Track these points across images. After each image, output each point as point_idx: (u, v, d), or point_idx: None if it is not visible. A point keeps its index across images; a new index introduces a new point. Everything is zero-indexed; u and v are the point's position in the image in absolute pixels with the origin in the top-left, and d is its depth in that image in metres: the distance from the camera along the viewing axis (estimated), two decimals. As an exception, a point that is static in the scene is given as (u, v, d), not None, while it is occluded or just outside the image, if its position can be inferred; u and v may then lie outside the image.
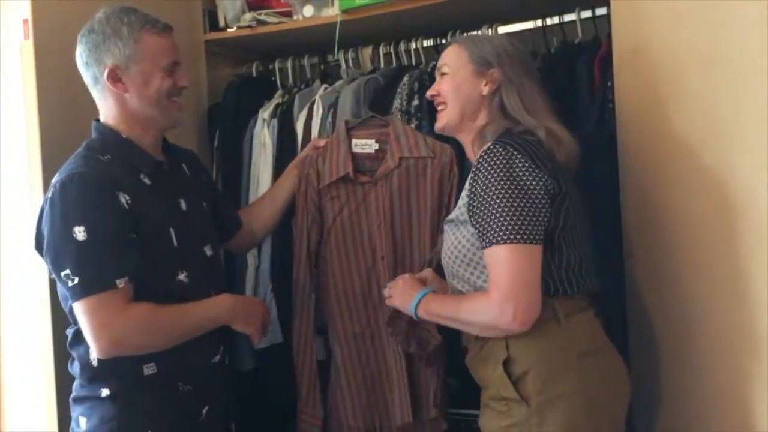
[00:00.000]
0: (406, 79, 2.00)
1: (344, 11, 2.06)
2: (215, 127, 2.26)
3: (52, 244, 1.44)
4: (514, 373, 1.39)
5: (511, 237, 1.32)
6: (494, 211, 1.34)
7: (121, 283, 1.42)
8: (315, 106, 2.08)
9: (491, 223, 1.34)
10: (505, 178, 1.34)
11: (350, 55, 2.22)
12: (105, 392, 1.50)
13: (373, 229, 1.80)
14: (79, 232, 1.40)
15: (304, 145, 2.07)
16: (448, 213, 1.74)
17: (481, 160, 1.38)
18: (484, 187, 1.36)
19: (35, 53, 1.69)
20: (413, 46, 2.13)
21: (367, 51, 2.22)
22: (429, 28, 2.11)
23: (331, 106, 2.05)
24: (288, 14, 2.21)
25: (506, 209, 1.33)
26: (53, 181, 1.47)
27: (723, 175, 1.47)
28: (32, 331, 1.78)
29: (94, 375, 1.51)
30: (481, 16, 1.98)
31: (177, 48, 1.58)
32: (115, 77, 1.51)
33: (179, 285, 1.54)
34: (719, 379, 1.53)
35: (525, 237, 1.32)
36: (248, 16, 2.22)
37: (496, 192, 1.34)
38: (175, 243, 1.53)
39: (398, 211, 1.78)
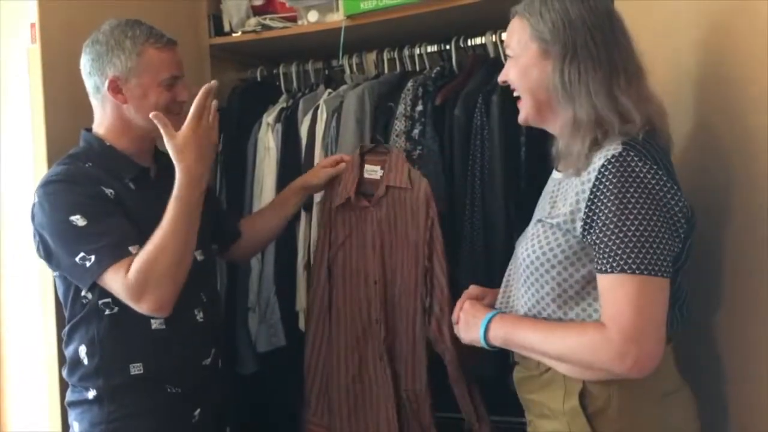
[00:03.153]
0: (410, 84, 2.01)
1: (349, 17, 2.07)
2: (219, 132, 2.22)
3: (57, 240, 1.45)
4: (588, 406, 1.23)
5: (642, 267, 1.11)
6: (628, 233, 1.12)
7: (134, 249, 1.44)
8: (319, 111, 2.09)
9: (620, 247, 1.12)
10: (644, 196, 1.12)
11: (354, 60, 2.22)
12: (92, 393, 1.51)
13: (368, 253, 1.82)
14: (78, 220, 1.43)
15: (308, 150, 2.08)
16: (430, 247, 1.72)
17: (610, 168, 1.15)
18: (616, 202, 1.13)
19: (42, 57, 1.69)
20: (417, 51, 2.14)
21: (371, 56, 2.22)
22: (433, 33, 2.11)
23: (336, 111, 2.06)
24: (293, 19, 2.22)
25: (643, 232, 1.12)
26: (35, 190, 1.49)
27: (731, 179, 1.45)
28: (35, 331, 1.78)
29: (83, 375, 1.52)
30: (485, 22, 1.98)
31: (179, 62, 1.60)
32: (115, 88, 1.53)
33: None
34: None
35: (658, 268, 1.12)
36: (253, 21, 2.24)
37: (633, 210, 1.12)
38: None
39: (387, 238, 1.81)
